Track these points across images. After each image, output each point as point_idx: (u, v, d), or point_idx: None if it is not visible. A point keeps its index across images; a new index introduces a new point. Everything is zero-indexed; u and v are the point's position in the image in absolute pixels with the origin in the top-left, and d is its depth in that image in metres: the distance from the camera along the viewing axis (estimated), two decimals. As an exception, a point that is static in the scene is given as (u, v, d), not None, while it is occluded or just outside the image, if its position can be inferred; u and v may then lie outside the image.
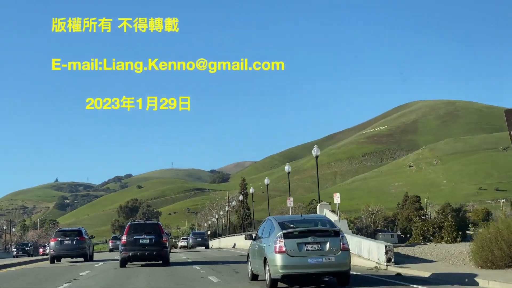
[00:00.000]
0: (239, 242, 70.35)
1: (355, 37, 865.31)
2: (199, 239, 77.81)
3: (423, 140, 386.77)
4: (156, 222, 35.39)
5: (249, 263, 21.75)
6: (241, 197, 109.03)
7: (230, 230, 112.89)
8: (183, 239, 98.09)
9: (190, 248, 76.31)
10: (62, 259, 43.39)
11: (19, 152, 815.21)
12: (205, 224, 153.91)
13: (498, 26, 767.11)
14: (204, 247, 74.79)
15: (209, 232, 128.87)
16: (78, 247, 41.23)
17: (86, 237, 43.28)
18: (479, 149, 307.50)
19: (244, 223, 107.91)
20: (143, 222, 34.71)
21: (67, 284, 23.44)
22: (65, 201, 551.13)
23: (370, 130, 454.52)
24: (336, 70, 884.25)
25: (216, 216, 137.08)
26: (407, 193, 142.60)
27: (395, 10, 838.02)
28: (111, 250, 73.65)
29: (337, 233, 18.50)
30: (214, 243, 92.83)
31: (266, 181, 76.07)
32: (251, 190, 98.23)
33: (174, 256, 44.91)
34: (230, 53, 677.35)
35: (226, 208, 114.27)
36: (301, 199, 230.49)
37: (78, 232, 42.75)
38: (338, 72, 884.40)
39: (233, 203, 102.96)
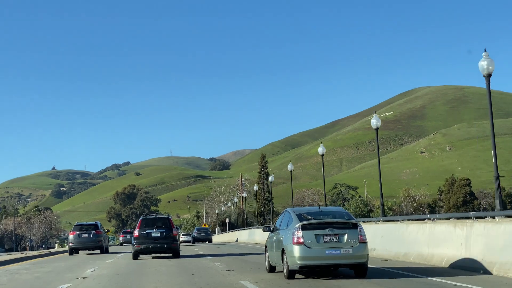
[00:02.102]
0: (241, 237, 74.62)
1: (357, 23, 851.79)
2: (203, 234, 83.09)
3: (431, 126, 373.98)
4: (166, 216, 36.36)
5: (267, 255, 21.83)
6: (255, 187, 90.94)
7: (243, 220, 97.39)
8: (184, 234, 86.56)
9: (194, 242, 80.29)
10: (80, 251, 46.69)
11: (16, 139, 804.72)
12: (216, 211, 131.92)
13: (496, 13, 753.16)
14: (207, 241, 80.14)
15: (227, 221, 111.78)
16: (95, 240, 43.82)
17: (102, 230, 45.78)
18: (495, 134, 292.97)
19: (265, 209, 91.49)
20: (154, 216, 35.88)
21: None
22: (62, 189, 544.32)
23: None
24: (337, 57, 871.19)
25: (230, 203, 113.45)
26: (453, 175, 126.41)
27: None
28: (121, 244, 76.82)
29: (355, 225, 18.47)
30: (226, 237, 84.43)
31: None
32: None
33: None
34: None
35: (244, 194, 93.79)
36: (306, 186, 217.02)
37: (95, 226, 45.15)
38: (340, 59, 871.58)
39: (255, 187, 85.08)
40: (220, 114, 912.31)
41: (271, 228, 21.64)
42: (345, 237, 18.11)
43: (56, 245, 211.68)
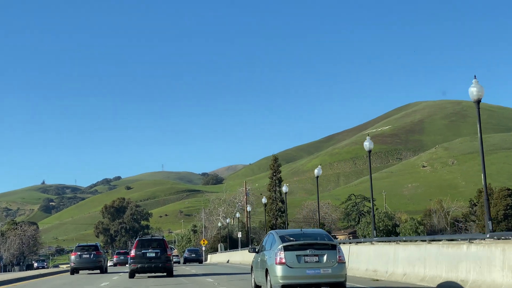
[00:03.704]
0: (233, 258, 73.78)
1: (352, 38, 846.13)
2: (194, 255, 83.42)
3: (430, 140, 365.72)
4: (161, 237, 39.30)
5: (252, 274, 23.12)
6: (285, 188, 72.93)
7: (247, 235, 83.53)
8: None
9: (185, 263, 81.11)
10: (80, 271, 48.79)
11: (6, 153, 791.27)
12: (219, 224, 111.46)
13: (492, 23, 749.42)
14: (198, 262, 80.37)
15: (239, 235, 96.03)
16: (95, 260, 46.21)
17: (102, 251, 48.33)
18: (498, 148, 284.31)
19: (277, 222, 78.46)
20: (149, 237, 39.27)
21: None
22: (51, 203, 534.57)
23: (373, 130, 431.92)
24: (332, 72, 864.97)
25: (239, 213, 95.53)
26: (490, 184, 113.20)
27: (396, 7, 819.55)
28: (115, 265, 77.05)
29: (334, 246, 19.55)
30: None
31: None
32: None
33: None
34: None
35: (264, 200, 77.61)
36: (301, 201, 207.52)
37: (95, 247, 47.83)
38: (334, 74, 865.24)
39: (284, 188, 68.46)
40: (212, 129, 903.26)
41: (256, 249, 22.80)
42: (325, 257, 19.17)
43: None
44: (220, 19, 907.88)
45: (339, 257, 19.20)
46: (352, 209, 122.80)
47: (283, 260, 18.88)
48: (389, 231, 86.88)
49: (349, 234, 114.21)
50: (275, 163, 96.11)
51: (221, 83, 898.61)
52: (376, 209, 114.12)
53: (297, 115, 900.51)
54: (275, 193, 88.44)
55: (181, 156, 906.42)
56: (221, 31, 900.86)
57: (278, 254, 19.04)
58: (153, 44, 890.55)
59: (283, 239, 19.72)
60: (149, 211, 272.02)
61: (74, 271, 46.82)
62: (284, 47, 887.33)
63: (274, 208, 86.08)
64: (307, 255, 18.96)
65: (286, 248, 19.03)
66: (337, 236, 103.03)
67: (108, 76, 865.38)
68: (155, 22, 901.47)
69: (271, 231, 21.52)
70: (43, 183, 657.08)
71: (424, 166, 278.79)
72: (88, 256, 46.06)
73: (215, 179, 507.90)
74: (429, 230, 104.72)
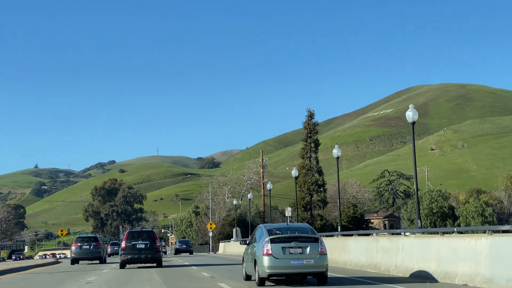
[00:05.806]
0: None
1: (353, 20, 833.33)
2: (185, 246, 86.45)
3: (435, 124, 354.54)
4: (151, 229, 40.79)
5: (244, 265, 24.63)
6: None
7: (263, 218, 67.99)
8: None
9: (176, 254, 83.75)
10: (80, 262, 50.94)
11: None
12: (235, 202, 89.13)
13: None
14: (188, 253, 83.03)
15: (288, 213, 77.21)
16: (95, 251, 48.42)
17: (101, 242, 50.60)
18: (510, 131, 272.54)
19: (313, 199, 61.02)
20: (139, 229, 40.34)
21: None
22: (43, 187, 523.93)
23: (375, 113, 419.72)
24: (330, 55, 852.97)
25: (270, 185, 64.01)
26: None
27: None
28: (109, 255, 77.43)
29: (316, 239, 21.04)
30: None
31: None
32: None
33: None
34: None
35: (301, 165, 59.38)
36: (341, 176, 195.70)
37: (95, 238, 50.14)
38: (333, 57, 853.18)
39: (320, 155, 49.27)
40: (208, 113, 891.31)
41: (247, 242, 24.54)
42: (308, 249, 20.66)
43: (26, 248, 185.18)
44: (217, 3, 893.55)
45: (321, 249, 20.74)
46: (385, 188, 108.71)
47: (270, 252, 20.52)
48: (445, 214, 71.47)
49: (384, 218, 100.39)
50: (310, 121, 74.08)
51: (217, 67, 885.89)
52: (413, 188, 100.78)
53: (294, 99, 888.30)
54: (310, 160, 68.41)
55: (176, 140, 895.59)
56: (221, 13, 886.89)
57: (265, 246, 20.69)
58: (144, 25, 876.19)
59: (270, 232, 21.40)
60: (143, 194, 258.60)
61: (74, 261, 48.67)
62: (280, 30, 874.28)
63: (308, 180, 66.92)
64: (291, 247, 20.57)
65: (272, 241, 20.66)
66: (371, 221, 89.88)
67: (102, 59, 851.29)
68: (150, 2, 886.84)
69: (260, 225, 22.97)
70: (36, 167, 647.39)
71: (432, 149, 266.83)
72: (88, 247, 47.99)
73: (212, 163, 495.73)
74: (497, 213, 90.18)
